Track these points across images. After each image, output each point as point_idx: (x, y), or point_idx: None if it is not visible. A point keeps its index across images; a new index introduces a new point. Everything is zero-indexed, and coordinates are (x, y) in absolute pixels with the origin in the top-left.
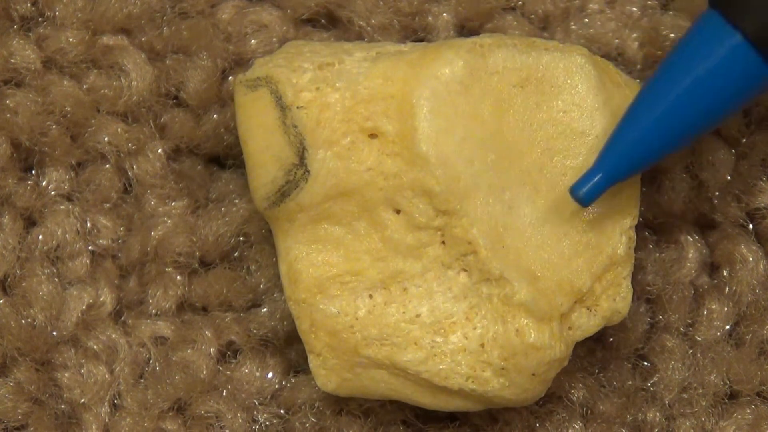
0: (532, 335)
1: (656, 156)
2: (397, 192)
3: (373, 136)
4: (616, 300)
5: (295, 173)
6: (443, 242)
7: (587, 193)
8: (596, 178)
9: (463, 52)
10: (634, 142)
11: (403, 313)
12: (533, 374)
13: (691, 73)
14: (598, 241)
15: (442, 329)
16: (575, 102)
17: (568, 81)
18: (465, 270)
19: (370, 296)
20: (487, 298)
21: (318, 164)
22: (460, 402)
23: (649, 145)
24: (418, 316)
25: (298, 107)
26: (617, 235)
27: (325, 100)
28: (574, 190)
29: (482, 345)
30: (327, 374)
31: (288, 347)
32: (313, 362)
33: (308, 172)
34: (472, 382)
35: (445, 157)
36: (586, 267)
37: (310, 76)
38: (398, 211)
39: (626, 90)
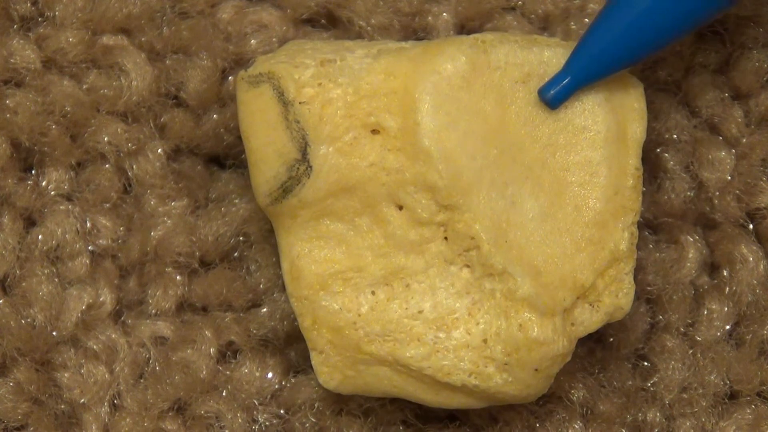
0: (536, 330)
1: (623, 62)
2: (400, 187)
3: (375, 131)
4: (618, 296)
5: (298, 169)
6: (446, 238)
7: (556, 94)
8: (565, 81)
9: (465, 47)
10: (602, 47)
11: (406, 309)
12: (536, 369)
13: None
14: (601, 236)
15: (444, 325)
16: (577, 97)
17: None
18: (468, 265)
19: (373, 293)
20: (489, 294)
21: (320, 160)
22: (462, 399)
23: (617, 51)
24: (420, 312)
25: (300, 103)
26: (619, 231)
27: (327, 96)
28: (542, 93)
29: (485, 340)
30: (329, 371)
31: (288, 347)
32: (315, 359)
33: (310, 167)
34: (475, 377)
35: (448, 152)
36: (589, 262)
37: (312, 72)
38: (401, 207)
39: (628, 87)
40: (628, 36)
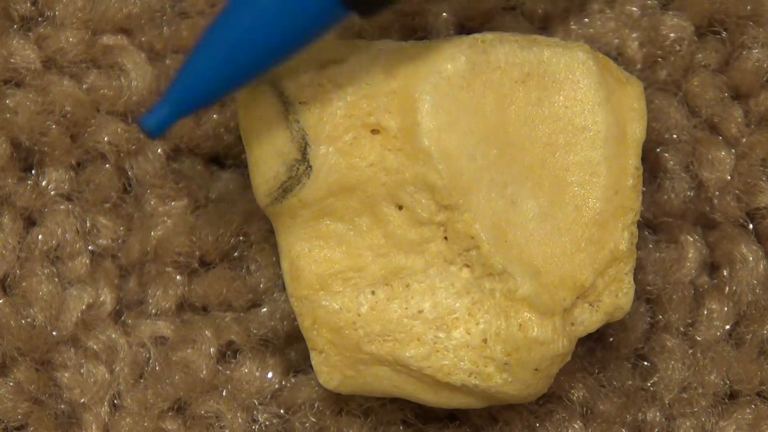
0: (535, 330)
1: (223, 90)
2: (400, 187)
3: (375, 131)
4: (618, 296)
5: (298, 169)
6: (446, 237)
7: (155, 126)
8: (164, 112)
9: (464, 47)
10: (201, 75)
11: (406, 309)
12: (536, 369)
13: (259, 5)
14: (601, 236)
15: (444, 325)
16: (577, 97)
17: (570, 76)
18: (467, 265)
19: (373, 292)
20: (489, 293)
21: (320, 160)
22: (462, 398)
23: (216, 79)
24: (420, 311)
25: (300, 102)
26: (619, 231)
27: (327, 96)
28: (142, 123)
29: (485, 340)
30: (329, 371)
31: (288, 347)
32: (315, 360)
33: (310, 167)
34: (475, 377)
35: (448, 152)
36: (589, 262)
37: (313, 72)
38: (400, 207)
39: (627, 86)
40: (231, 58)
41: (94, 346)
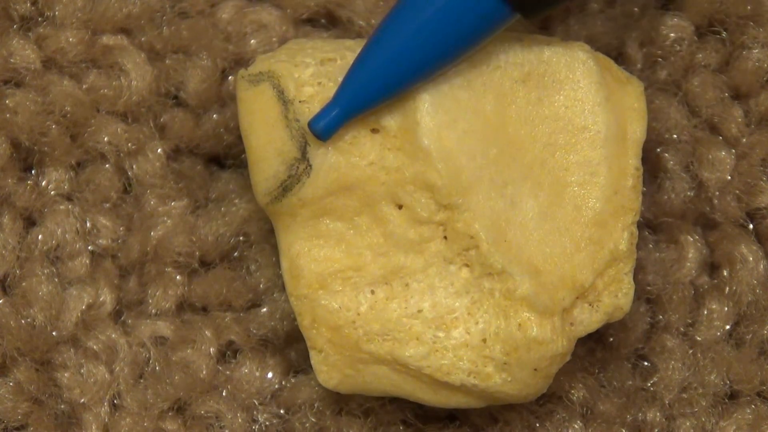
0: (534, 330)
1: (391, 92)
2: (399, 186)
3: (375, 130)
4: (618, 296)
5: (297, 167)
6: (445, 237)
7: (325, 127)
8: (333, 113)
9: None
10: (369, 77)
11: (405, 308)
12: (535, 369)
13: (428, 9)
14: (600, 236)
15: (444, 324)
16: (577, 97)
17: (570, 76)
18: (467, 265)
19: (372, 291)
20: (488, 293)
21: (320, 159)
22: (461, 398)
23: (384, 81)
24: (419, 311)
25: (300, 101)
26: (619, 231)
27: (327, 95)
28: (312, 125)
29: (484, 340)
30: (328, 370)
31: (288, 347)
32: (314, 358)
33: (310, 166)
34: (474, 377)
35: (447, 151)
36: (588, 262)
37: (312, 71)
38: (400, 206)
39: (628, 86)
40: (399, 60)
41: (94, 346)
